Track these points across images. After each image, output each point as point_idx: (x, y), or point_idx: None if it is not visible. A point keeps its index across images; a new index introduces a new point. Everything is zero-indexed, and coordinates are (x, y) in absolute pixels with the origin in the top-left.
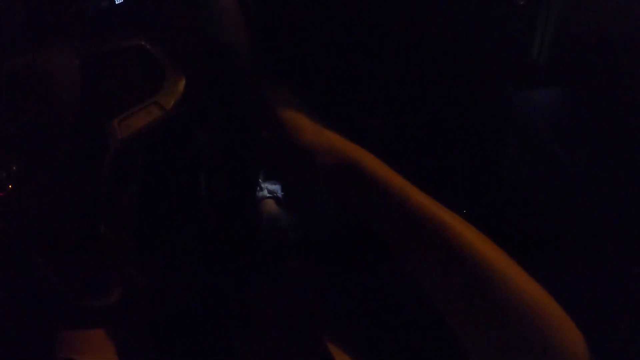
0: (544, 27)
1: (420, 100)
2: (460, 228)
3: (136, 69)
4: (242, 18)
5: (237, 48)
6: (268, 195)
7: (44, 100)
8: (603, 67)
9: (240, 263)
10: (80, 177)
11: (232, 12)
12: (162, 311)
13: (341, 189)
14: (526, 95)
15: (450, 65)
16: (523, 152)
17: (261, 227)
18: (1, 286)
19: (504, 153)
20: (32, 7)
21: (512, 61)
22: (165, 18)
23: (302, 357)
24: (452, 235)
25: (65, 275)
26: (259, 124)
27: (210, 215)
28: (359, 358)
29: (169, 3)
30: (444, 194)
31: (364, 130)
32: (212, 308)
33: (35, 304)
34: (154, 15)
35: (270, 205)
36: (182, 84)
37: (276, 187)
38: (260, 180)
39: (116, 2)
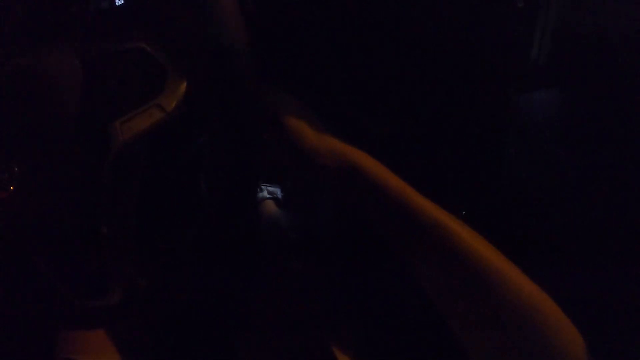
0: (543, 28)
1: (420, 101)
2: (459, 231)
3: (138, 71)
4: (243, 19)
5: (238, 50)
6: (268, 196)
7: (45, 101)
8: (602, 68)
9: (241, 264)
10: (82, 179)
11: (233, 14)
12: (162, 312)
13: (341, 191)
14: (526, 97)
15: (450, 66)
16: (522, 153)
17: (261, 228)
18: (2, 286)
19: (504, 154)
20: (32, 8)
21: (512, 62)
22: (165, 19)
23: (303, 357)
24: (450, 238)
25: (66, 276)
26: (259, 126)
27: (211, 217)
28: (360, 358)
29: (169, 4)
30: (444, 196)
31: (363, 132)
32: (213, 309)
33: (36, 304)
34: (154, 17)
35: (270, 206)
36: (183, 86)
37: (276, 188)
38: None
39: (117, 3)
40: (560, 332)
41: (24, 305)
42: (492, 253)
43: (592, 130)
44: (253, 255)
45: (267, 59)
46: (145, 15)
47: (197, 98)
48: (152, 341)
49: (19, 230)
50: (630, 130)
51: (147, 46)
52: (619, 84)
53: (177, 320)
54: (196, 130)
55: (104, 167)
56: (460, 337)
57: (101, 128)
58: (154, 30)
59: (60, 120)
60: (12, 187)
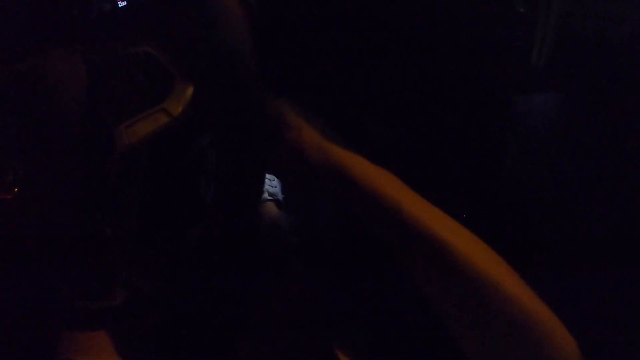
0: (544, 32)
1: (421, 104)
2: (454, 242)
3: (144, 76)
4: (247, 24)
5: (241, 53)
6: (269, 197)
7: (50, 104)
8: (601, 71)
9: (242, 265)
10: (86, 181)
11: (237, 18)
12: (164, 313)
13: (335, 196)
14: (525, 100)
15: (451, 70)
16: (522, 156)
17: (262, 230)
18: (5, 287)
19: (503, 156)
20: (34, 10)
21: (512, 66)
22: (168, 22)
23: (304, 359)
24: (445, 249)
25: (69, 277)
26: (263, 129)
27: (213, 218)
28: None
29: (173, 7)
30: (444, 198)
31: (364, 134)
32: (214, 310)
33: (39, 304)
34: (157, 20)
35: (271, 208)
36: (190, 91)
37: (276, 190)
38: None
39: (119, 5)
40: (556, 343)
41: (26, 306)
42: (488, 262)
43: (592, 133)
44: (254, 256)
45: (269, 62)
46: (148, 18)
47: (201, 101)
48: (154, 342)
49: (23, 231)
50: (629, 132)
51: (153, 50)
52: (617, 88)
53: (179, 321)
54: (200, 133)
55: (108, 170)
56: (458, 342)
57: (106, 131)
58: (158, 33)
59: (64, 123)
60: (16, 189)
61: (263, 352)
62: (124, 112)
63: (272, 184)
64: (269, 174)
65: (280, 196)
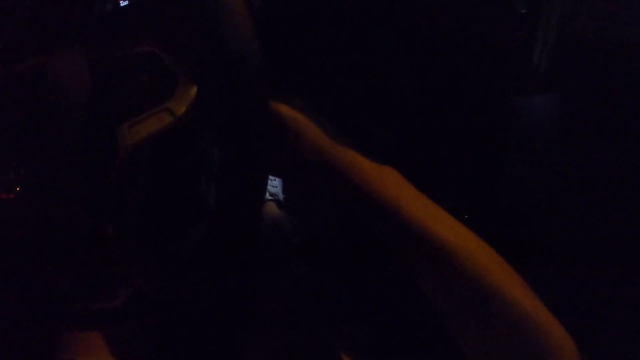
0: (545, 33)
1: (422, 104)
2: (454, 240)
3: (147, 75)
4: (252, 23)
5: (246, 53)
6: (269, 197)
7: (52, 103)
8: (603, 72)
9: (243, 266)
10: (88, 181)
11: (241, 17)
12: (165, 314)
13: (336, 196)
14: (526, 101)
15: (452, 70)
16: (523, 158)
17: (263, 230)
18: (6, 286)
19: (504, 158)
20: (35, 10)
21: (513, 67)
22: (171, 22)
23: (306, 359)
24: (445, 248)
25: (71, 278)
26: (268, 129)
27: (215, 220)
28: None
29: (176, 6)
30: (445, 199)
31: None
32: (216, 311)
33: (40, 304)
34: (160, 19)
35: (272, 208)
36: (194, 91)
37: (277, 190)
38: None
39: (121, 5)
40: (556, 345)
41: (27, 306)
42: (489, 263)
43: (592, 135)
44: (255, 257)
45: (272, 62)
46: (151, 18)
47: (205, 101)
48: (156, 343)
49: (24, 230)
50: (630, 134)
51: (157, 50)
52: (619, 89)
53: (180, 322)
54: (202, 133)
55: (111, 170)
56: (458, 342)
57: (109, 131)
58: (161, 33)
59: (67, 122)
60: (18, 189)
61: (264, 352)
62: (127, 112)
63: (272, 184)
64: (270, 173)
65: (281, 196)
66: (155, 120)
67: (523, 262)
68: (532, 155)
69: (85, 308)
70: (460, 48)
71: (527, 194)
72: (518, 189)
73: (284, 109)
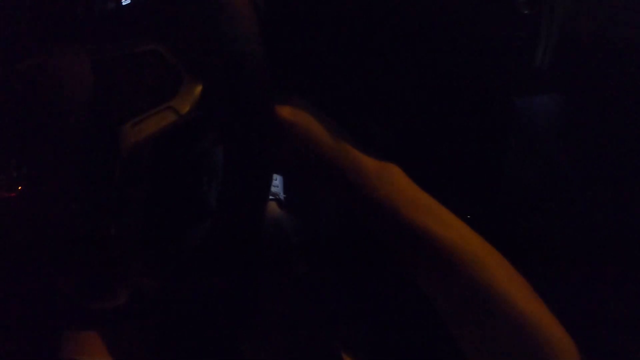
0: (547, 34)
1: (423, 105)
2: (455, 240)
3: (151, 74)
4: (256, 21)
5: (250, 51)
6: (270, 197)
7: (54, 102)
8: (605, 73)
9: (244, 266)
10: (91, 180)
11: (246, 15)
12: (167, 313)
13: (337, 195)
14: (528, 101)
15: (453, 71)
16: (525, 158)
17: (264, 230)
18: (7, 286)
19: (505, 158)
20: (38, 9)
21: (515, 67)
22: (175, 20)
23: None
24: (445, 248)
25: (72, 277)
26: (272, 129)
27: (217, 219)
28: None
29: (179, 4)
30: (445, 199)
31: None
32: (217, 311)
33: (41, 304)
34: (163, 18)
35: (273, 208)
36: (198, 90)
37: (278, 189)
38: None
39: (123, 3)
40: (556, 346)
41: (29, 305)
42: (491, 263)
43: (593, 135)
44: (257, 257)
45: (276, 60)
46: (154, 16)
47: (209, 99)
48: (157, 343)
49: (26, 229)
50: (631, 135)
51: (161, 48)
52: (621, 90)
53: (181, 321)
54: (206, 132)
55: (114, 168)
56: (459, 342)
57: (112, 129)
58: (165, 31)
59: (70, 120)
60: (20, 187)
61: (265, 352)
62: (130, 110)
63: (274, 183)
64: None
65: (282, 196)
66: (159, 118)
67: (523, 262)
68: (533, 156)
69: (86, 307)
70: (461, 48)
71: (528, 194)
72: (518, 189)
73: (287, 108)
